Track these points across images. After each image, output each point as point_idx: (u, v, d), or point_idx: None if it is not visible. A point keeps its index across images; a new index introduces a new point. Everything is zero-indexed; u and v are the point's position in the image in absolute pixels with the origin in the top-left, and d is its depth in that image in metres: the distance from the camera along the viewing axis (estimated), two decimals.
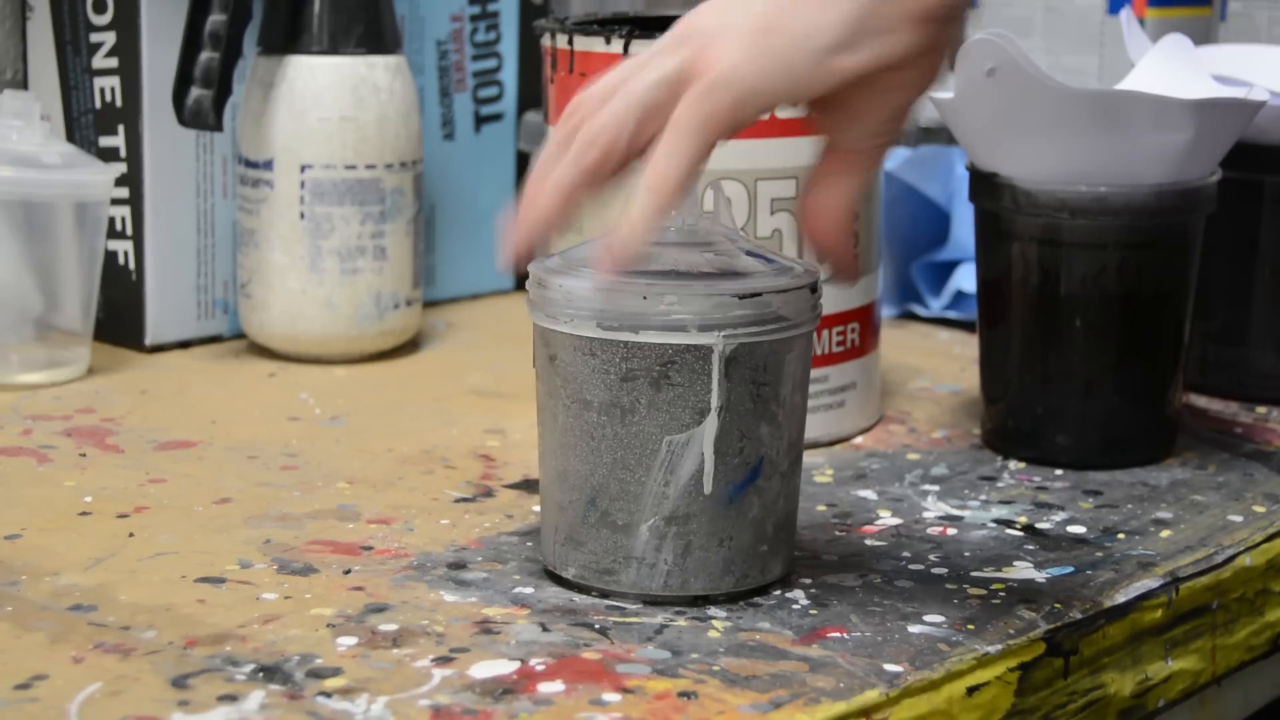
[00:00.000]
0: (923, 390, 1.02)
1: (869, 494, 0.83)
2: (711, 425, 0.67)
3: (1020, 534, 0.78)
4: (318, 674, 0.62)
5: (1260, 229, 0.99)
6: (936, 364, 1.07)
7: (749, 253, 0.70)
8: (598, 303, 0.67)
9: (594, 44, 0.87)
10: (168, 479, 0.83)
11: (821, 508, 0.81)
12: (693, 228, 0.69)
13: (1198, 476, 0.87)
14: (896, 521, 0.79)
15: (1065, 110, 0.84)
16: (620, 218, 0.65)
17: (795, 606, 0.69)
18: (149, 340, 1.06)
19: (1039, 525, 0.79)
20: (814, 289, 0.69)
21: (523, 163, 1.22)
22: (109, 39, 1.05)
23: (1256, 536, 0.79)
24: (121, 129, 1.05)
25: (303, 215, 1.03)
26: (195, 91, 1.01)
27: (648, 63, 0.66)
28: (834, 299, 0.89)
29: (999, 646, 0.66)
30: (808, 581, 0.72)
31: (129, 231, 1.06)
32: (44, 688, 0.60)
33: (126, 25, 1.04)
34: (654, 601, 0.69)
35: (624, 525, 0.68)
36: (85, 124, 1.07)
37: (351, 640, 0.65)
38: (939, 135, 1.33)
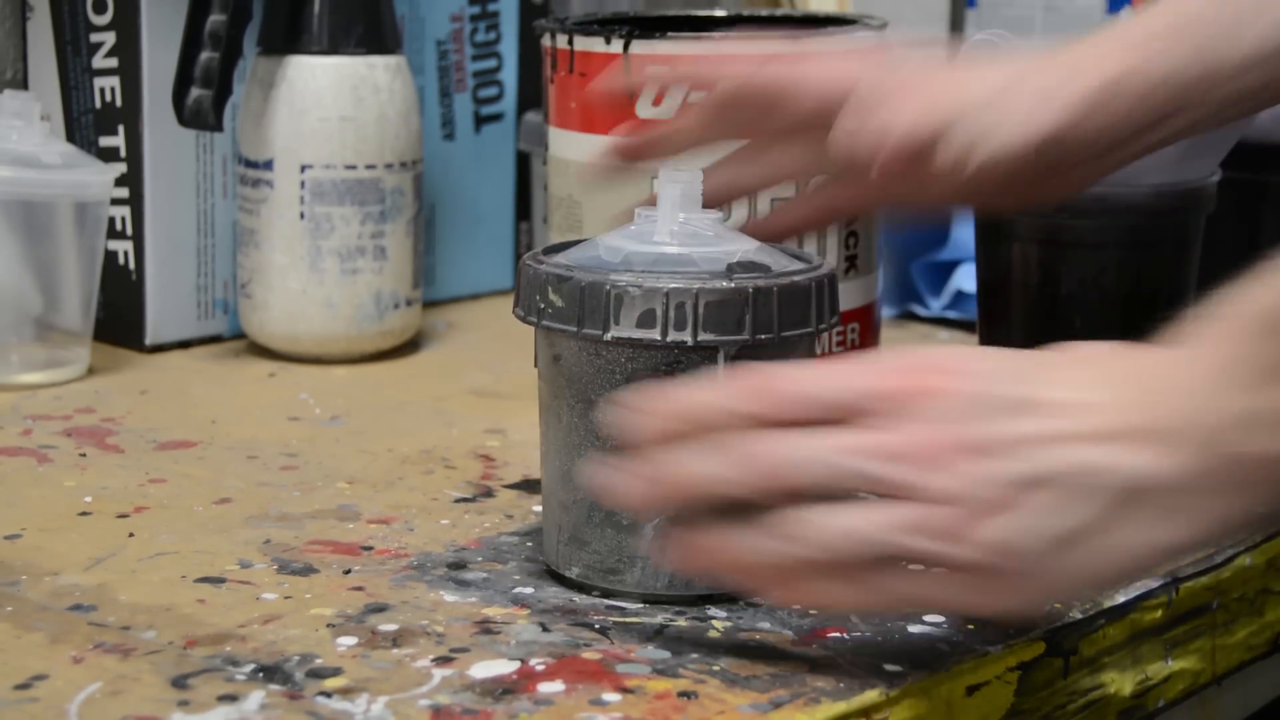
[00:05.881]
0: None
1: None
2: None
3: None
4: (318, 674, 0.61)
5: (1260, 229, 0.99)
6: None
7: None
8: None
9: (594, 44, 0.87)
10: (168, 479, 0.83)
11: None
12: (693, 226, 0.69)
13: None
14: None
15: None
16: None
17: (795, 606, 0.69)
18: (149, 340, 1.06)
19: None
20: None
21: (523, 163, 1.22)
22: (109, 39, 1.05)
23: (1256, 536, 0.79)
24: (121, 129, 1.05)
25: (303, 215, 1.03)
26: (195, 91, 1.01)
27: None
28: None
29: (999, 646, 0.66)
30: None
31: (129, 231, 1.05)
32: (44, 688, 0.60)
33: (126, 25, 1.04)
34: (654, 601, 0.69)
35: (629, 525, 0.68)
36: (85, 124, 1.07)
37: (351, 640, 0.65)
38: None
